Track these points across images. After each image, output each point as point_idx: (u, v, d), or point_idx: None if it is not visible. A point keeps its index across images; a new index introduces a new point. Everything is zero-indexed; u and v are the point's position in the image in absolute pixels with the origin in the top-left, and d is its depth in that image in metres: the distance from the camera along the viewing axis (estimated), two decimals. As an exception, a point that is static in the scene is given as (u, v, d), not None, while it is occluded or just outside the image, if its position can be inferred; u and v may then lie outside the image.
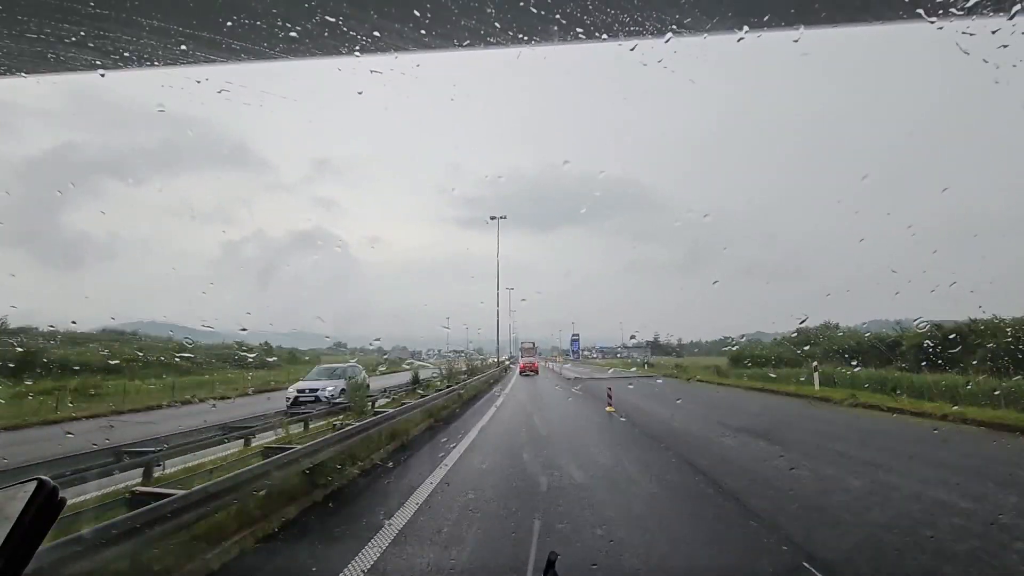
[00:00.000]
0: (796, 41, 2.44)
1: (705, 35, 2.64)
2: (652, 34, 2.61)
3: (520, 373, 39.69)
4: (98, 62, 1.17)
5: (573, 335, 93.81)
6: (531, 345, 68.56)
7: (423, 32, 1.60)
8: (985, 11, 1.72)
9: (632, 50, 2.87)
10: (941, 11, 1.96)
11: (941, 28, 1.93)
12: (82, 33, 1.07)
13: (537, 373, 39.94)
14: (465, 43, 1.80)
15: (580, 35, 2.38)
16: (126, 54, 1.19)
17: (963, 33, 2.21)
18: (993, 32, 1.80)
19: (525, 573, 3.43)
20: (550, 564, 1.51)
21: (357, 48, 1.58)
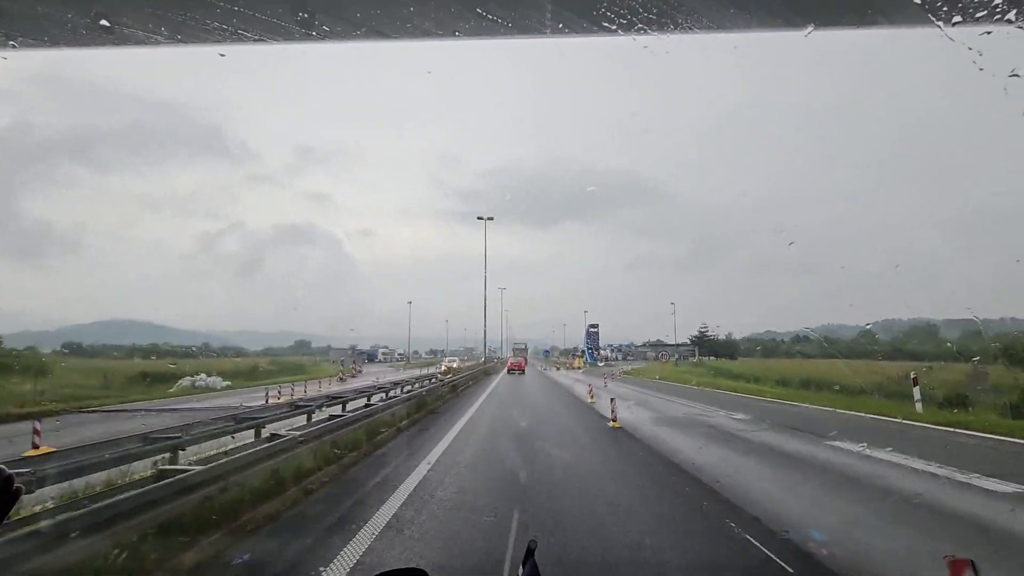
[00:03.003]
0: (807, 36, 2.38)
1: (715, 32, 2.59)
2: (661, 28, 2.57)
3: (507, 371, 41.93)
4: (61, 37, 1.20)
5: (590, 327, 72.18)
6: (523, 346, 69.14)
7: (420, 17, 1.59)
8: (995, 18, 1.65)
9: (638, 42, 2.83)
10: (954, 16, 1.90)
11: (951, 31, 1.86)
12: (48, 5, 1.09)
13: (524, 372, 41.50)
14: (464, 31, 1.79)
15: (586, 26, 2.36)
16: (96, 29, 1.20)
17: (980, 34, 2.12)
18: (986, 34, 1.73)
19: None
20: (530, 552, 1.48)
21: (356, 32, 1.58)
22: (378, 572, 1.38)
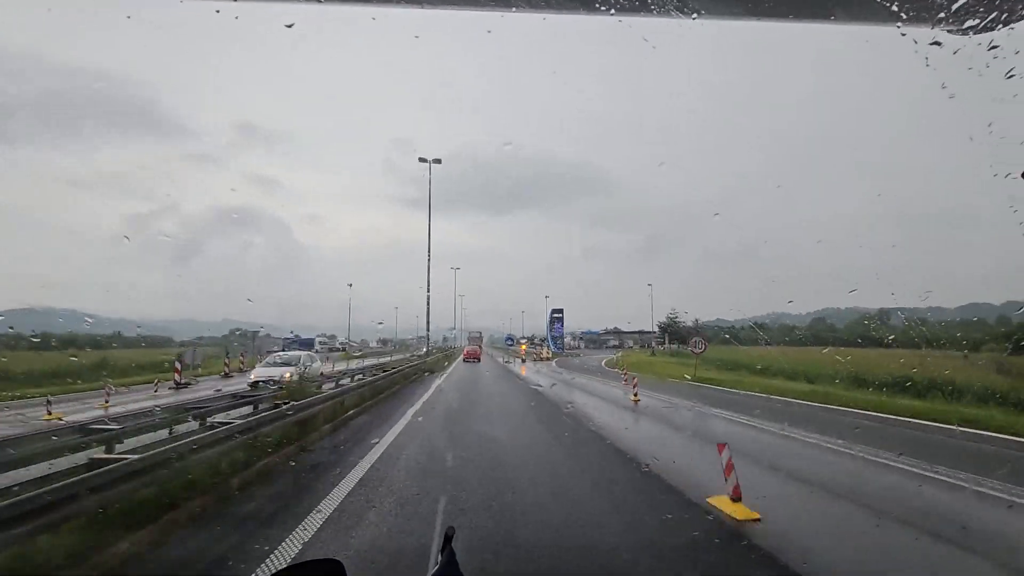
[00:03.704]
0: (766, 28, 2.30)
1: (682, 18, 2.50)
2: (628, 10, 2.46)
3: (464, 360, 41.18)
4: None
5: (554, 311, 65.22)
6: (478, 335, 67.85)
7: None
8: (966, 25, 1.61)
9: (600, 25, 2.70)
10: (918, 20, 1.86)
11: (907, 34, 1.81)
12: None
13: (480, 361, 40.78)
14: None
15: (545, 4, 2.21)
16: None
17: (976, 43, 2.11)
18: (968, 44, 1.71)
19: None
20: (447, 539, 1.42)
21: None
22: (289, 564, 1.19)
